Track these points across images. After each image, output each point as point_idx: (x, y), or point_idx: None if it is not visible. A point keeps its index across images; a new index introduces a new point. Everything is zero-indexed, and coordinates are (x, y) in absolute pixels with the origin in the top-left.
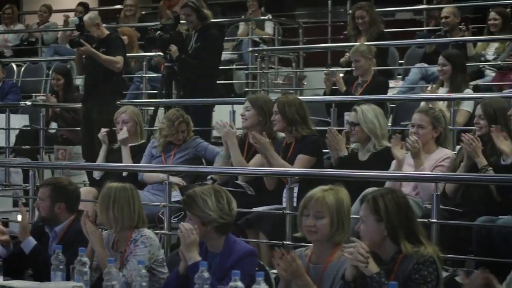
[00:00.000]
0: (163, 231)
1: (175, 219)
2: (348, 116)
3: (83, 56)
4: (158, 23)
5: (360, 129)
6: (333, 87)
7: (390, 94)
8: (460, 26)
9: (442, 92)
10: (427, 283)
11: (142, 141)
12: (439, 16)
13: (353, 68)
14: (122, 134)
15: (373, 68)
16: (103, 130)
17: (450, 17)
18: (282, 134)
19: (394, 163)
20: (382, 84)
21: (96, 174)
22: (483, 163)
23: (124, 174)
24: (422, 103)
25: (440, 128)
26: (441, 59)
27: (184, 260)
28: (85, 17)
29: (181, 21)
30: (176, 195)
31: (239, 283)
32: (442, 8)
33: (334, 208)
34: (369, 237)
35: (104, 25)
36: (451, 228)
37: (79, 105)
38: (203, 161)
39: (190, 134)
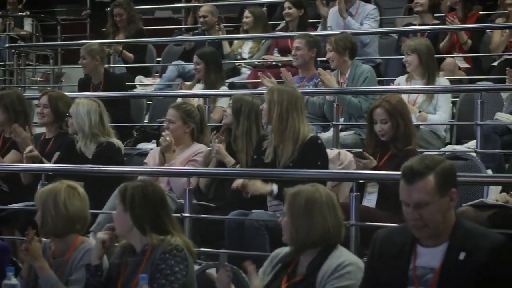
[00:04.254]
0: None
1: None
2: None
3: None
4: None
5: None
6: None
7: (148, 90)
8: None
9: (198, 89)
10: (175, 273)
11: None
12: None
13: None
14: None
15: (103, 67)
16: None
17: (208, 16)
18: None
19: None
20: (119, 82)
21: None
22: (232, 162)
23: None
24: (178, 100)
25: (191, 123)
26: (195, 58)
27: None
28: None
29: None
30: None
31: None
32: (200, 6)
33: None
34: (118, 226)
35: None
36: (205, 222)
37: None
38: None
39: None
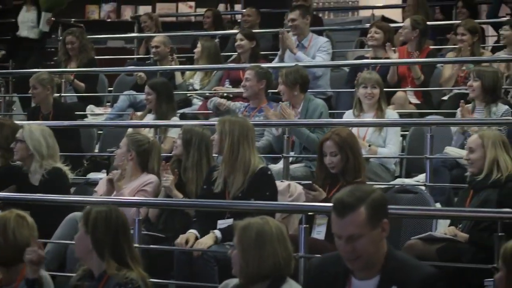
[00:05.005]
0: None
1: None
2: None
3: None
4: None
5: (24, 146)
6: None
7: (99, 120)
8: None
9: (149, 119)
10: None
11: None
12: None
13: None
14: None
15: (52, 96)
16: None
17: (161, 46)
18: None
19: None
20: (69, 112)
21: None
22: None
23: None
24: (129, 129)
25: (133, 151)
26: (146, 88)
27: None
28: None
29: None
30: None
31: None
32: (153, 37)
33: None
34: (77, 248)
35: None
36: (154, 253)
37: None
38: None
39: None
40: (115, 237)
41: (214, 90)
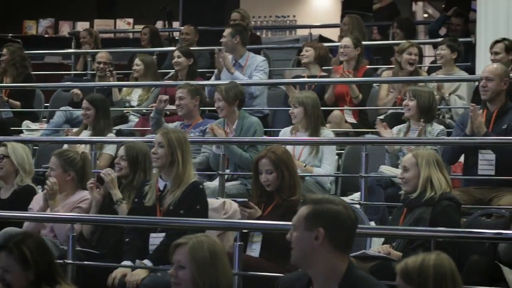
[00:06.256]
0: None
1: None
2: None
3: None
4: None
5: (9, 162)
6: None
7: (35, 136)
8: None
9: (85, 135)
10: None
11: None
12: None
13: None
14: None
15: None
16: None
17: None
18: None
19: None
20: (4, 127)
21: None
22: (118, 196)
23: None
24: (65, 146)
25: (72, 171)
26: (85, 103)
27: None
28: None
29: None
30: None
31: None
32: (92, 53)
33: None
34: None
35: None
36: (88, 269)
37: None
38: None
39: None
40: (50, 262)
41: (151, 107)
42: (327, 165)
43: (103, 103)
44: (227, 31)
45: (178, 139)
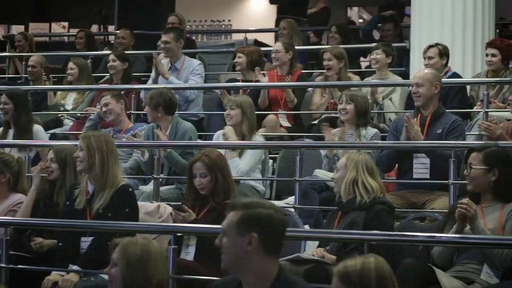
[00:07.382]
0: None
1: None
2: None
3: None
4: None
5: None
6: None
7: None
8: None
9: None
10: None
11: None
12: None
13: None
14: None
15: None
16: None
17: (37, 66)
18: None
19: None
20: None
21: None
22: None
23: None
24: None
25: (8, 173)
26: (3, 98)
27: None
28: None
29: None
30: None
31: None
32: (26, 56)
33: None
34: None
35: None
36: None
37: None
38: None
39: None
40: None
41: (86, 111)
42: (243, 163)
43: (22, 97)
44: (171, 36)
45: (98, 142)
